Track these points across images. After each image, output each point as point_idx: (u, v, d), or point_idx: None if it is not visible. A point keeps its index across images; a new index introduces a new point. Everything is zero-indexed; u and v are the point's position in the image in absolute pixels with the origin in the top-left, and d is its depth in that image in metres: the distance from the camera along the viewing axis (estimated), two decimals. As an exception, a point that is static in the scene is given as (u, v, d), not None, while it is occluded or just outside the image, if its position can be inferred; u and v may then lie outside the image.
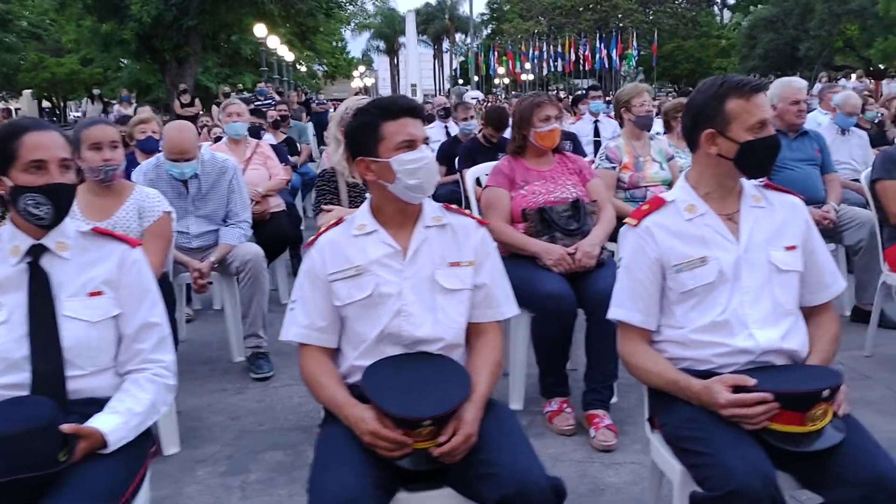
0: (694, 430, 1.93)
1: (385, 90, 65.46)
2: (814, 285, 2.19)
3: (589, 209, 3.57)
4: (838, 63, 29.26)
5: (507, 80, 47.90)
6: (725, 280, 2.08)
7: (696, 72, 43.87)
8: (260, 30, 22.99)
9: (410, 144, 2.07)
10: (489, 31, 58.95)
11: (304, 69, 41.22)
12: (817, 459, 1.84)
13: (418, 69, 53.82)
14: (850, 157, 5.62)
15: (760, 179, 2.24)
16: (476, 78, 51.74)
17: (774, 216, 2.16)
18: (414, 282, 2.09)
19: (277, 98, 13.67)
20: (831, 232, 4.49)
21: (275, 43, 24.99)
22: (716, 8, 50.26)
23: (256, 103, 10.37)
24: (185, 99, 15.37)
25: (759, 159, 2.10)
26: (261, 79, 29.61)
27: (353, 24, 59.89)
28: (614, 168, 4.71)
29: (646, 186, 4.67)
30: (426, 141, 2.13)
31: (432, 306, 2.09)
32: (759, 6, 37.32)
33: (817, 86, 22.17)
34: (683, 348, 2.11)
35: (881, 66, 28.05)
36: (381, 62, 69.13)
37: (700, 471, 1.87)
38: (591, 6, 42.54)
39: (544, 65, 43.84)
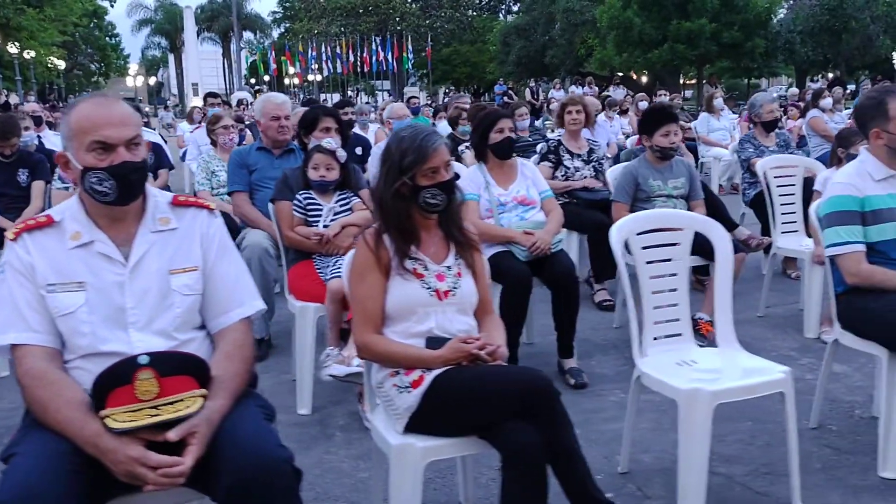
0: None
1: (174, 89, 62.11)
2: None
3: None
4: (586, 70, 31.27)
5: (296, 81, 47.08)
6: None
7: (473, 75, 45.48)
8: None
9: None
10: (282, 31, 57.48)
11: (59, 65, 38.02)
12: None
13: (199, 68, 51.22)
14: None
15: None
16: (267, 77, 50.33)
17: None
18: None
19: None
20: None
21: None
22: (501, 14, 52.23)
23: None
24: None
25: None
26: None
27: (133, 20, 56.19)
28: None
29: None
30: None
31: None
32: (517, 15, 39.27)
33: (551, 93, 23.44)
34: None
35: (623, 74, 30.37)
36: (172, 60, 65.65)
37: None
38: (370, 9, 42.70)
39: (324, 66, 43.44)
